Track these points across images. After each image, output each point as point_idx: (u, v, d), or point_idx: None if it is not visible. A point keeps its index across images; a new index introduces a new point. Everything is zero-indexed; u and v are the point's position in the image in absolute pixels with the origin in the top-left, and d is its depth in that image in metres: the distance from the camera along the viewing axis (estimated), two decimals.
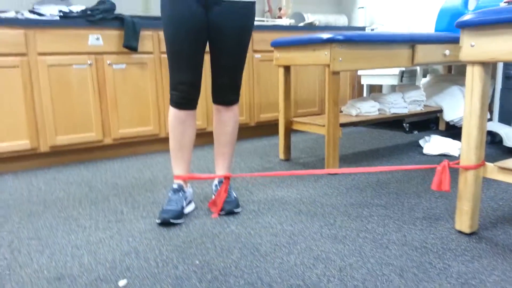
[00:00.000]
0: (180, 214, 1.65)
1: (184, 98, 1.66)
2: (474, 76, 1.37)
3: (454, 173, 2.17)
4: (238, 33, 1.65)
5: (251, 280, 1.20)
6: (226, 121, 1.78)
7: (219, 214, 1.71)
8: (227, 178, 1.70)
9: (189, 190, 1.79)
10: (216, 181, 1.84)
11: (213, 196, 1.85)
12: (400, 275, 1.20)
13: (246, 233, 1.52)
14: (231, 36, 1.64)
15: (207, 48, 2.82)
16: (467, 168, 1.41)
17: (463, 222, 1.45)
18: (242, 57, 1.72)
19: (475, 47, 1.34)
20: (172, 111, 1.69)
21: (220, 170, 1.85)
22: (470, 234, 1.46)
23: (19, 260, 1.37)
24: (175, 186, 1.73)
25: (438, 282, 1.16)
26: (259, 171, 2.35)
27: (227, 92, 1.74)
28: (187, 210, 1.74)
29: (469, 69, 1.38)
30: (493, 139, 2.81)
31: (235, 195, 1.79)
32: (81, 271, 1.28)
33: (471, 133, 1.39)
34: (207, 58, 3.01)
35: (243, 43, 1.68)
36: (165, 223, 1.61)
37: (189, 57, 1.61)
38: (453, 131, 3.28)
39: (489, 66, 1.37)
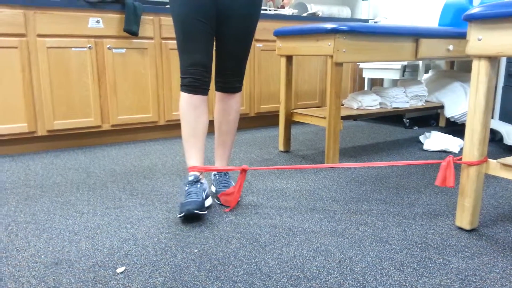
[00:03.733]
0: (203, 205, 1.54)
1: (198, 81, 1.58)
2: (480, 71, 1.36)
3: (456, 169, 2.16)
4: (246, 20, 1.63)
5: (250, 270, 1.20)
6: (228, 109, 1.76)
7: (218, 204, 1.70)
8: (244, 171, 1.62)
9: (205, 182, 1.68)
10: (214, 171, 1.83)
11: (212, 187, 1.84)
12: (400, 270, 1.20)
13: (245, 224, 1.52)
14: (238, 23, 1.62)
15: None
16: (470, 164, 1.40)
17: (464, 218, 1.45)
18: (248, 45, 1.70)
19: (482, 41, 1.33)
20: (184, 97, 1.61)
21: (220, 159, 1.83)
22: (470, 231, 1.45)
23: (16, 244, 1.35)
24: (191, 178, 1.63)
25: (438, 278, 1.16)
26: (259, 162, 2.33)
27: (231, 80, 1.72)
28: (207, 203, 1.65)
29: (475, 63, 1.37)
30: (494, 137, 2.80)
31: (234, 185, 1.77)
32: (78, 257, 1.27)
33: (475, 128, 1.38)
34: None
35: (249, 31, 1.67)
36: (190, 216, 1.49)
37: (201, 39, 1.56)
38: (454, 128, 3.28)
39: (495, 61, 1.35)
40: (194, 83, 1.59)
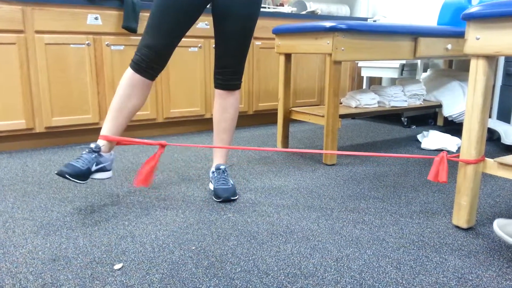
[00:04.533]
0: (82, 175, 1.50)
1: (145, 62, 1.57)
2: (478, 70, 1.36)
3: (453, 168, 2.17)
4: (246, 19, 1.63)
5: (247, 268, 1.20)
6: (227, 107, 1.76)
7: (216, 202, 1.70)
8: (162, 146, 1.57)
9: (108, 156, 1.63)
10: (213, 169, 1.83)
11: (210, 184, 1.84)
12: (397, 268, 1.20)
13: (243, 221, 1.52)
14: (238, 22, 1.62)
15: (212, 32, 2.78)
16: (467, 162, 1.41)
17: (461, 217, 1.45)
18: (248, 43, 1.70)
19: (481, 40, 1.33)
20: (127, 73, 1.60)
21: (218, 157, 1.83)
22: (467, 229, 1.46)
23: (14, 240, 1.35)
24: (92, 145, 1.59)
25: (434, 276, 1.17)
26: (256, 160, 2.34)
27: (230, 77, 1.72)
28: (98, 176, 1.60)
29: (473, 62, 1.37)
30: (491, 137, 2.81)
31: (232, 183, 1.78)
32: (76, 253, 1.27)
33: (472, 127, 1.39)
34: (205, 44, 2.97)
35: (249, 30, 1.67)
36: (61, 176, 1.47)
37: (168, 30, 1.55)
38: (451, 127, 3.29)
39: (493, 60, 1.35)
40: (141, 63, 1.58)
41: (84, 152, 1.58)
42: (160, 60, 1.59)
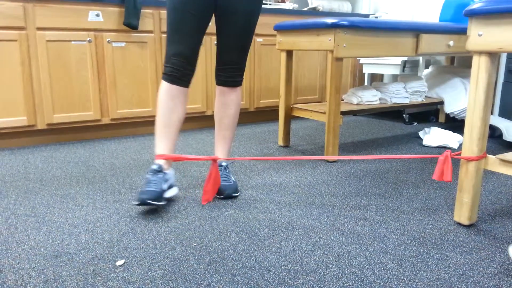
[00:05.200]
0: (160, 196, 1.53)
1: (178, 71, 1.59)
2: (480, 66, 1.35)
3: (455, 165, 2.17)
4: (248, 16, 1.64)
5: (249, 264, 1.20)
6: (229, 103, 1.76)
7: (217, 198, 1.70)
8: (214, 160, 1.57)
9: (170, 172, 1.67)
10: None
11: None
12: (398, 264, 1.21)
13: (244, 218, 1.52)
14: (241, 19, 1.63)
15: (212, 29, 2.77)
16: (469, 160, 1.40)
17: (462, 213, 1.45)
18: (250, 40, 1.70)
19: (483, 36, 1.32)
20: (164, 86, 1.61)
21: (220, 154, 1.83)
22: (468, 226, 1.46)
23: (16, 237, 1.36)
24: (154, 166, 1.62)
25: (436, 272, 1.17)
26: (258, 157, 2.34)
27: (232, 73, 1.72)
28: (169, 194, 1.63)
29: (475, 59, 1.37)
30: (493, 133, 2.81)
31: (233, 179, 1.78)
32: (78, 250, 1.28)
33: (474, 124, 1.38)
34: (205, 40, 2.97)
35: (251, 26, 1.67)
36: (143, 204, 1.49)
37: (189, 31, 1.56)
38: (453, 124, 3.28)
39: (495, 57, 1.35)
40: (174, 73, 1.59)
41: (149, 175, 1.60)
42: (190, 65, 1.61)
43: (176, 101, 1.62)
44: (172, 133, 1.64)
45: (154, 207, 1.58)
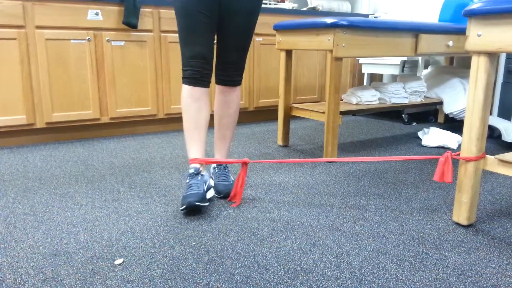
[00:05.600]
0: (204, 197, 1.54)
1: (199, 73, 1.59)
2: (479, 67, 1.36)
3: (454, 165, 2.17)
4: (248, 15, 1.64)
5: (247, 263, 1.20)
6: (229, 103, 1.77)
7: (216, 198, 1.70)
8: (245, 164, 1.61)
9: (206, 174, 1.68)
10: (214, 164, 1.83)
11: (211, 180, 1.84)
12: (397, 264, 1.21)
13: (243, 217, 1.52)
14: (241, 18, 1.63)
15: None
16: (467, 160, 1.41)
17: (461, 214, 1.46)
18: (250, 39, 1.71)
19: (482, 36, 1.33)
20: (186, 89, 1.61)
21: (220, 153, 1.84)
22: (467, 226, 1.46)
23: (15, 235, 1.36)
24: (191, 170, 1.62)
25: (434, 272, 1.17)
26: (257, 157, 2.34)
27: (232, 73, 1.72)
28: (209, 195, 1.66)
29: (474, 59, 1.37)
30: (492, 134, 2.81)
31: (232, 179, 1.78)
32: (77, 248, 1.27)
33: (473, 124, 1.38)
34: None
35: (251, 25, 1.68)
36: (191, 207, 1.49)
37: (203, 31, 1.56)
38: (452, 124, 3.28)
39: (494, 57, 1.35)
40: (195, 75, 1.59)
41: (188, 180, 1.61)
42: (209, 64, 1.61)
43: (200, 102, 1.63)
44: (201, 134, 1.65)
45: (199, 208, 1.54)
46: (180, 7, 1.55)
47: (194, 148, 1.65)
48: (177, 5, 1.56)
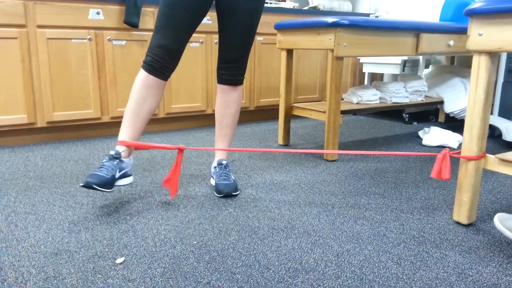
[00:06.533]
0: (108, 183, 1.51)
1: (158, 63, 1.57)
2: (480, 66, 1.36)
3: (454, 164, 2.17)
4: (251, 15, 1.64)
5: (248, 262, 1.21)
6: (230, 102, 1.77)
7: (217, 197, 1.71)
8: (180, 150, 1.57)
9: (129, 161, 1.64)
10: (215, 164, 1.83)
11: (211, 179, 1.84)
12: (397, 263, 1.21)
13: (244, 216, 1.52)
14: (244, 17, 1.63)
15: (213, 28, 2.77)
16: (468, 159, 1.41)
17: (462, 213, 1.46)
18: (252, 38, 1.71)
19: (483, 36, 1.33)
20: (141, 74, 1.59)
21: (220, 152, 1.84)
22: (467, 225, 1.46)
23: (16, 234, 1.36)
24: (112, 152, 1.58)
25: (435, 271, 1.17)
26: (258, 156, 2.34)
27: (235, 72, 1.72)
28: (121, 182, 1.61)
29: (475, 58, 1.37)
30: (493, 133, 2.81)
31: (233, 178, 1.78)
32: (78, 247, 1.28)
33: (474, 123, 1.39)
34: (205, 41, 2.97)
35: (254, 25, 1.68)
36: (88, 187, 1.47)
37: (178, 27, 1.55)
38: (453, 123, 3.28)
39: (496, 57, 1.35)
40: (154, 64, 1.58)
41: (105, 160, 1.58)
42: (172, 59, 1.59)
43: (150, 91, 1.60)
44: (139, 122, 1.62)
45: (100, 192, 1.52)
46: None
47: (127, 131, 1.61)
48: None
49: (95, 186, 1.47)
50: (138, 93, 1.60)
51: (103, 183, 1.49)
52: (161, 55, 1.57)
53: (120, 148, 1.62)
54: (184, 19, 1.55)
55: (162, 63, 1.58)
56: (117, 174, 1.57)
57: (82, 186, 1.49)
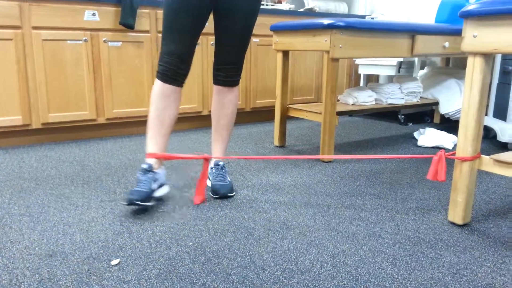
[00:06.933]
0: (148, 197, 1.53)
1: (171, 70, 1.58)
2: (474, 67, 1.36)
3: (449, 165, 2.18)
4: (247, 16, 1.64)
5: (244, 263, 1.20)
6: (227, 103, 1.77)
7: (213, 198, 1.70)
8: (206, 159, 1.59)
9: (161, 172, 1.67)
10: (211, 165, 1.83)
11: (208, 180, 1.84)
12: (393, 264, 1.21)
13: (240, 217, 1.52)
14: (240, 18, 1.63)
15: (209, 29, 2.77)
16: (463, 160, 1.41)
17: (456, 213, 1.46)
18: (248, 39, 1.71)
19: (478, 37, 1.33)
20: (157, 85, 1.61)
21: (217, 153, 1.83)
22: (462, 226, 1.47)
23: (10, 236, 1.35)
24: (144, 166, 1.60)
25: (430, 271, 1.17)
26: (252, 156, 2.34)
27: (231, 73, 1.72)
28: (159, 193, 1.63)
29: (470, 60, 1.38)
30: (487, 134, 2.82)
31: (229, 179, 1.78)
32: (73, 249, 1.27)
33: (468, 125, 1.39)
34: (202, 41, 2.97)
35: (250, 26, 1.68)
36: (130, 204, 1.49)
37: (185, 31, 1.56)
38: (448, 125, 3.30)
39: (490, 58, 1.36)
40: (167, 72, 1.59)
41: (140, 175, 1.59)
42: (184, 64, 1.60)
43: (169, 100, 1.62)
44: (164, 132, 1.64)
45: (143, 207, 1.58)
46: (167, 3, 1.55)
47: (154, 143, 1.63)
48: (166, 1, 1.56)
49: (137, 202, 1.49)
50: (157, 104, 1.61)
51: (144, 197, 1.51)
52: (173, 61, 1.58)
53: (151, 161, 1.63)
54: (188, 23, 1.56)
55: (174, 70, 1.58)
56: (154, 186, 1.59)
57: (126, 204, 1.51)
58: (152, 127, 1.63)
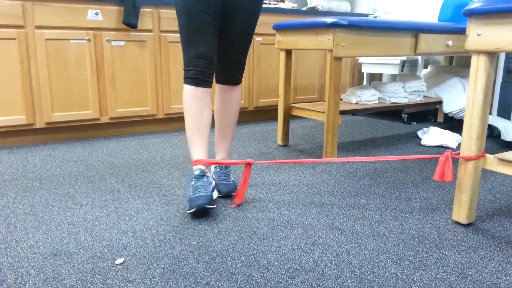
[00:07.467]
0: (212, 199, 1.52)
1: (202, 73, 1.57)
2: (479, 66, 1.36)
3: (453, 164, 2.17)
4: (250, 15, 1.64)
5: (248, 263, 1.20)
6: (230, 102, 1.77)
7: (216, 197, 1.70)
8: (248, 164, 1.59)
9: (210, 175, 1.67)
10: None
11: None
12: (397, 263, 1.21)
13: (244, 217, 1.52)
14: (243, 17, 1.63)
15: None
16: (467, 159, 1.41)
17: (461, 212, 1.46)
18: (251, 38, 1.72)
19: (482, 36, 1.33)
20: (188, 89, 1.59)
21: (221, 152, 1.84)
22: (467, 225, 1.46)
23: (15, 235, 1.36)
24: (197, 172, 1.59)
25: (434, 271, 1.17)
26: (257, 156, 2.34)
27: (234, 71, 1.73)
28: (215, 195, 1.64)
29: (474, 59, 1.37)
30: (491, 133, 2.81)
31: (233, 179, 1.78)
32: (77, 248, 1.28)
33: (473, 123, 1.39)
34: None
35: (253, 24, 1.68)
36: (200, 211, 1.48)
37: (206, 31, 1.55)
38: (452, 123, 3.29)
39: (494, 56, 1.35)
40: (199, 76, 1.57)
41: (194, 182, 1.58)
42: (212, 65, 1.60)
43: (202, 103, 1.60)
44: (204, 136, 1.63)
45: (205, 209, 1.53)
46: (182, 6, 1.54)
47: (198, 149, 1.62)
48: (179, 4, 1.54)
49: (207, 206, 1.48)
50: (193, 109, 1.60)
51: (211, 200, 1.50)
52: (202, 64, 1.57)
53: (200, 166, 1.63)
54: (209, 23, 1.55)
55: (206, 72, 1.58)
56: (211, 189, 1.59)
57: (193, 211, 1.49)
58: (192, 133, 1.62)
